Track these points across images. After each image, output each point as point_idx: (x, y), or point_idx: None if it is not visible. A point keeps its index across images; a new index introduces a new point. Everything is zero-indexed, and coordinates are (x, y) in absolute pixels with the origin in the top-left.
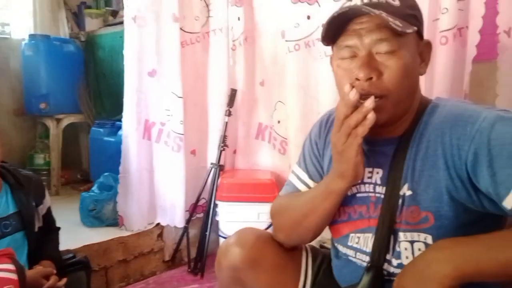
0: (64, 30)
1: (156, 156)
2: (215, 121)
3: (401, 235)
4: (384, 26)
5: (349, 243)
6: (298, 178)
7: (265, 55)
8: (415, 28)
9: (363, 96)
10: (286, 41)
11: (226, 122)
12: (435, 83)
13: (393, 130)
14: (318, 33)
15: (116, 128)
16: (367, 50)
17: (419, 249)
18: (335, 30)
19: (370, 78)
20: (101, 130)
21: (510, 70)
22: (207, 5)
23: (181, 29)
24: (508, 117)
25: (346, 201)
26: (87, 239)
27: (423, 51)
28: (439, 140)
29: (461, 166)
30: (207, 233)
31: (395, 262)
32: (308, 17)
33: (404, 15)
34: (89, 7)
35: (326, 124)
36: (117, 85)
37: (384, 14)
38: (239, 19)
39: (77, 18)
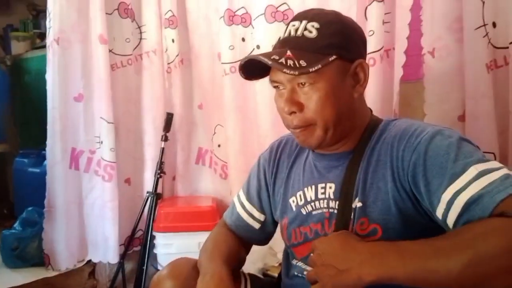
0: None
1: (85, 187)
2: (151, 147)
3: None
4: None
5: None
6: (240, 206)
7: (202, 78)
8: (330, 58)
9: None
10: (222, 63)
11: (163, 148)
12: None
13: (340, 147)
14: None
15: (42, 158)
16: (290, 85)
17: None
18: (260, 68)
19: (293, 112)
20: (26, 160)
21: (435, 90)
22: (139, 27)
23: (110, 51)
24: (447, 132)
25: (302, 220)
26: (9, 281)
27: (356, 72)
28: (388, 153)
29: (404, 177)
30: (144, 267)
31: None
32: (243, 39)
33: (317, 48)
34: (16, 30)
35: (278, 148)
36: (44, 111)
37: (288, 55)
38: (173, 41)
39: (2, 41)
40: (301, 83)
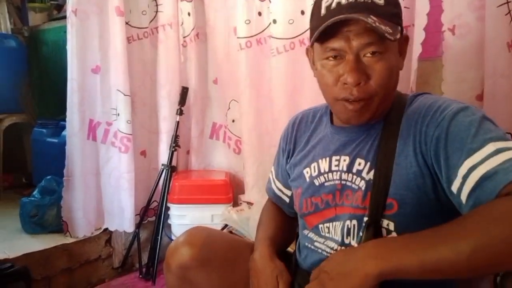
0: (6, 25)
1: (102, 157)
2: (166, 120)
3: (365, 219)
4: (371, 29)
5: (321, 233)
6: (273, 181)
7: (218, 52)
8: (401, 29)
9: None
10: (237, 37)
11: (178, 122)
12: None
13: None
14: (270, 30)
15: (60, 128)
16: (354, 53)
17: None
18: (320, 31)
19: (359, 83)
20: (44, 130)
21: (454, 68)
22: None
23: (127, 23)
24: (472, 109)
25: (314, 191)
26: (28, 247)
27: (402, 45)
28: (411, 129)
29: (427, 152)
30: (159, 237)
31: (355, 245)
32: (259, 14)
33: (390, 15)
34: (33, 1)
35: (294, 126)
36: (62, 82)
37: (374, 20)
38: (189, 14)
39: (20, 12)
40: (370, 53)
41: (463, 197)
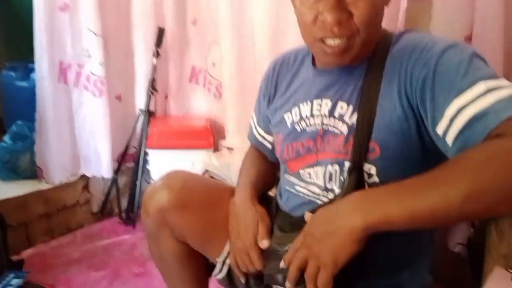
0: None
1: (75, 102)
2: (142, 63)
3: (346, 164)
4: None
5: (303, 178)
6: (254, 127)
7: None
8: None
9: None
10: None
11: (155, 65)
12: None
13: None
14: None
15: (29, 70)
16: None
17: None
18: None
19: (340, 22)
20: (13, 73)
21: (444, 8)
22: None
23: None
24: (461, 46)
25: (295, 137)
26: (3, 193)
27: None
28: (396, 70)
29: (412, 93)
30: (138, 182)
31: (337, 190)
32: None
33: None
34: None
35: (275, 68)
36: (30, 23)
37: None
38: None
39: None
40: None
41: (450, 139)
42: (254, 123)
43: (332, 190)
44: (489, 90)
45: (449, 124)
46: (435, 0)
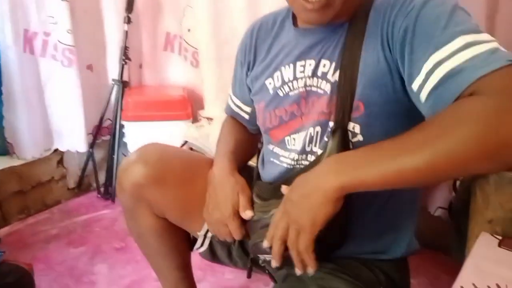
0: None
1: (43, 72)
2: (113, 30)
3: (330, 124)
4: None
5: (288, 146)
6: (230, 98)
7: None
8: None
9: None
10: None
11: (126, 31)
12: None
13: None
14: None
15: None
16: None
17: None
18: None
19: None
20: None
21: None
22: None
23: None
24: None
25: (277, 103)
26: None
27: None
28: (379, 22)
29: (393, 46)
30: (115, 156)
31: (318, 151)
32: None
33: None
34: None
35: (253, 33)
36: None
37: None
38: None
39: None
40: None
41: (423, 95)
42: (230, 93)
43: (311, 152)
44: (468, 45)
45: (424, 80)
46: None
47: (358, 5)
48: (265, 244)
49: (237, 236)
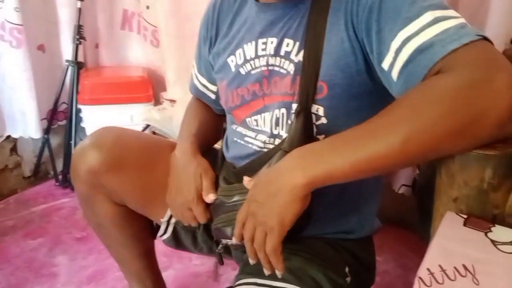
0: None
1: None
2: (65, 7)
3: (294, 106)
4: None
5: (250, 126)
6: (195, 76)
7: None
8: None
9: None
10: None
11: (80, 8)
12: None
13: None
14: None
15: None
16: None
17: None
18: None
19: None
20: None
21: None
22: None
23: None
24: None
25: (240, 81)
26: None
27: None
28: (343, 1)
29: (358, 24)
30: (72, 142)
31: (285, 135)
32: None
33: None
34: None
35: (215, 7)
36: None
37: None
38: None
39: None
40: None
41: (394, 73)
42: (195, 72)
43: (279, 136)
44: (436, 20)
45: (394, 57)
46: None
47: None
48: (234, 240)
49: (202, 219)
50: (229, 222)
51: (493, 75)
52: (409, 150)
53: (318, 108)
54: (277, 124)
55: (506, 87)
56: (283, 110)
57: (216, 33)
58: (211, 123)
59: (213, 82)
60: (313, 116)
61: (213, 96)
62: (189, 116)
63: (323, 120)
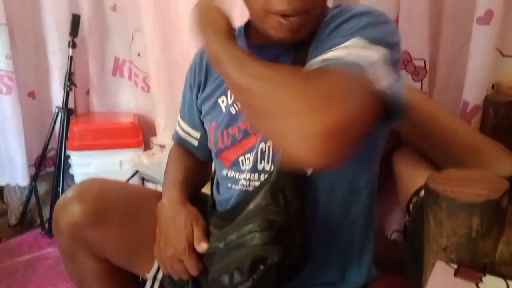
0: None
1: None
2: (56, 55)
3: None
4: None
5: (242, 167)
6: (179, 125)
7: None
8: None
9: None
10: None
11: (71, 56)
12: None
13: None
14: None
15: None
16: None
17: None
18: None
19: None
20: None
21: None
22: None
23: None
24: (373, 13)
25: (230, 121)
26: None
27: None
28: (322, 38)
29: None
30: (60, 189)
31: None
32: None
33: None
34: None
35: (202, 56)
36: None
37: None
38: None
39: None
40: None
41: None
42: (178, 119)
43: (264, 171)
44: (354, 46)
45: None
46: None
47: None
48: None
49: (194, 272)
50: (225, 269)
51: (320, 109)
52: (238, 94)
53: None
54: (262, 158)
55: (317, 133)
56: (269, 143)
57: (205, 78)
58: (196, 169)
59: (196, 128)
60: None
61: (195, 143)
62: (173, 163)
63: None
